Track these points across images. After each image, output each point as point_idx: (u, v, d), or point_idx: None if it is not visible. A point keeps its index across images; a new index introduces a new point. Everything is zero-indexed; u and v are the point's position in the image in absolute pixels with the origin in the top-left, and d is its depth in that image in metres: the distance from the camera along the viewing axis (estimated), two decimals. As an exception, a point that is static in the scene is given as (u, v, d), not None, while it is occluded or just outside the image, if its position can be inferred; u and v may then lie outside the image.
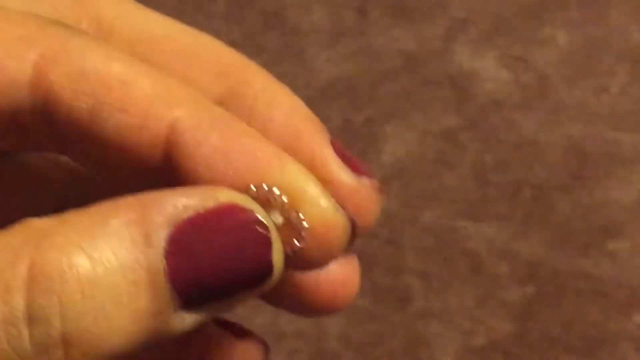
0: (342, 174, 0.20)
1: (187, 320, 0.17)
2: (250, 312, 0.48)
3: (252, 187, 0.18)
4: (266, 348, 0.23)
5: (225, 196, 0.17)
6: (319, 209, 0.18)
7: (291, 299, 0.21)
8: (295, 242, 0.18)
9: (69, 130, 0.19)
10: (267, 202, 0.18)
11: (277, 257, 0.17)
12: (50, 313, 0.16)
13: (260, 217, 0.17)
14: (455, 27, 0.57)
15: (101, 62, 0.18)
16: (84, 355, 0.16)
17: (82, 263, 0.16)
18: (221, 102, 0.21)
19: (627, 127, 0.53)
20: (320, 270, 0.20)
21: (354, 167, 0.21)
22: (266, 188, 0.18)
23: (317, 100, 0.54)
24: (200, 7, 0.57)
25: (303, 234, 0.18)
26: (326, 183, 0.19)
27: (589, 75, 0.55)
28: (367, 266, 0.49)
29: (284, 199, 0.18)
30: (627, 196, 0.51)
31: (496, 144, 0.53)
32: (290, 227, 0.18)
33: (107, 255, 0.16)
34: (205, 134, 0.18)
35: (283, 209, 0.18)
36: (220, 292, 0.17)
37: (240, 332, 0.23)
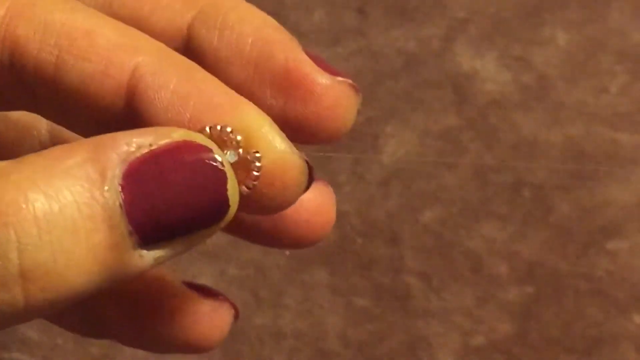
0: (316, 75, 0.21)
1: (145, 258, 0.17)
2: (250, 312, 0.48)
3: (207, 128, 0.18)
4: (236, 311, 0.23)
5: (179, 134, 0.18)
6: (273, 148, 0.19)
7: (266, 233, 0.22)
8: (251, 179, 0.18)
9: (36, 84, 0.19)
10: (221, 141, 0.18)
11: (232, 192, 0.18)
12: (7, 247, 0.16)
13: (214, 153, 0.18)
14: (455, 27, 0.57)
15: (66, 14, 0.19)
16: (43, 291, 0.16)
17: (37, 198, 0.16)
18: (192, 25, 0.21)
19: (627, 127, 0.53)
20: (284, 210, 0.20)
21: (328, 69, 0.21)
22: (220, 128, 0.18)
23: (317, 100, 0.54)
24: (200, 7, 0.57)
25: (257, 172, 0.18)
26: (301, 85, 0.20)
27: (588, 75, 0.55)
28: (367, 266, 0.49)
29: (238, 138, 0.18)
30: (627, 196, 0.51)
31: (496, 144, 0.53)
32: (245, 166, 0.18)
33: (62, 192, 0.17)
34: (165, 78, 0.19)
35: (237, 148, 0.18)
36: (176, 227, 0.17)
37: (209, 293, 0.23)
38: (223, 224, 0.18)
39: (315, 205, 0.22)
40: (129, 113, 0.19)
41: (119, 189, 0.17)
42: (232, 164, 0.18)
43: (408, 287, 0.49)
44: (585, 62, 0.55)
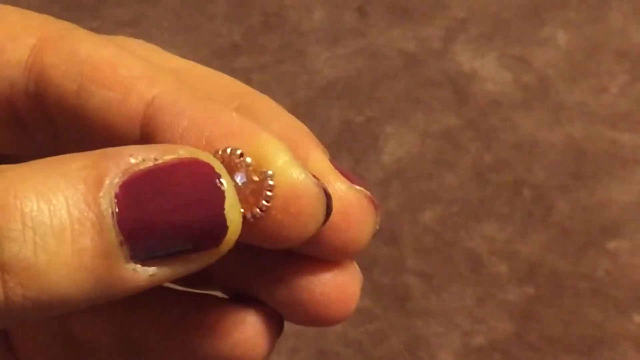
0: (336, 180, 0.20)
1: (140, 273, 0.17)
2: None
3: (219, 151, 0.18)
4: (281, 322, 0.22)
5: (186, 151, 0.17)
6: (287, 172, 0.18)
7: (286, 307, 0.21)
8: (263, 200, 0.18)
9: (58, 111, 0.19)
10: (231, 164, 0.18)
11: (232, 213, 0.17)
12: None
13: (215, 171, 0.17)
14: (455, 27, 0.57)
15: (92, 47, 0.20)
16: (23, 287, 0.16)
17: (27, 195, 0.16)
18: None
19: (627, 127, 0.53)
20: (302, 249, 0.20)
21: (349, 178, 0.20)
22: (229, 151, 0.18)
23: (317, 100, 0.54)
24: (200, 7, 0.57)
25: (269, 192, 0.18)
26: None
27: (588, 75, 0.55)
28: (367, 266, 0.49)
29: (248, 160, 0.18)
30: (627, 196, 0.51)
31: (496, 144, 0.53)
32: (258, 191, 0.18)
33: (54, 192, 0.16)
34: (182, 107, 0.19)
35: (248, 169, 0.18)
36: (170, 243, 0.17)
37: (251, 301, 0.22)
38: (223, 248, 0.17)
39: (338, 286, 0.21)
40: (144, 141, 0.19)
41: (114, 197, 0.17)
42: (242, 188, 0.18)
43: (408, 287, 0.49)
44: (585, 62, 0.55)
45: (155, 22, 0.56)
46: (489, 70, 0.55)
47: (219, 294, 0.22)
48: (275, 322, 0.21)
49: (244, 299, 0.21)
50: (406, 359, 0.48)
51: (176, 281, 0.19)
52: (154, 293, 0.20)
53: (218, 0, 0.57)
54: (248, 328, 0.21)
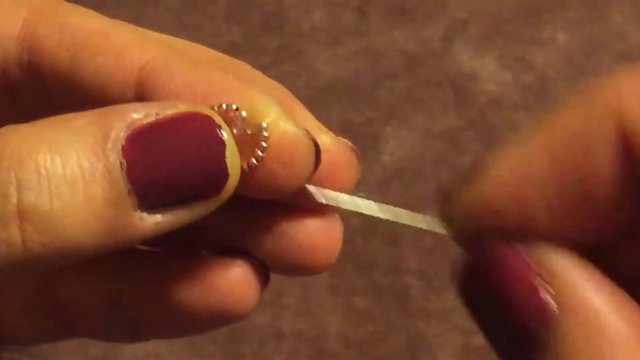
0: (323, 133, 0.21)
1: (146, 221, 0.18)
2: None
3: (214, 107, 0.19)
4: (266, 276, 0.23)
5: (185, 106, 0.18)
6: (280, 124, 0.19)
7: (271, 254, 0.22)
8: (259, 150, 0.19)
9: (52, 80, 0.20)
10: (228, 119, 0.19)
11: (232, 161, 0.18)
12: (7, 188, 0.17)
13: (215, 123, 0.18)
14: (455, 28, 0.57)
15: (82, 18, 0.21)
16: (40, 234, 0.17)
17: (40, 148, 0.17)
18: None
19: (627, 127, 0.53)
20: (289, 196, 0.20)
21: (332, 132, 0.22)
22: (225, 106, 0.19)
23: (317, 100, 0.54)
24: (200, 7, 0.57)
25: (264, 143, 0.19)
26: None
27: (589, 75, 0.55)
28: (367, 266, 0.49)
29: (243, 114, 0.19)
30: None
31: (496, 144, 0.53)
32: (253, 142, 0.19)
33: (65, 145, 0.17)
34: (175, 70, 0.20)
35: (244, 123, 0.19)
36: (176, 192, 0.18)
37: (237, 253, 0.23)
38: (224, 195, 0.18)
39: (322, 233, 0.22)
40: None
41: (121, 149, 0.18)
42: (238, 139, 0.19)
43: (408, 287, 0.49)
44: (585, 62, 0.55)
45: (155, 22, 0.56)
46: (489, 70, 0.55)
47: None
48: (261, 273, 0.22)
49: (228, 253, 0.22)
50: (406, 359, 0.48)
51: (161, 240, 0.19)
52: (140, 253, 0.21)
53: (218, 0, 0.57)
54: (236, 277, 0.22)
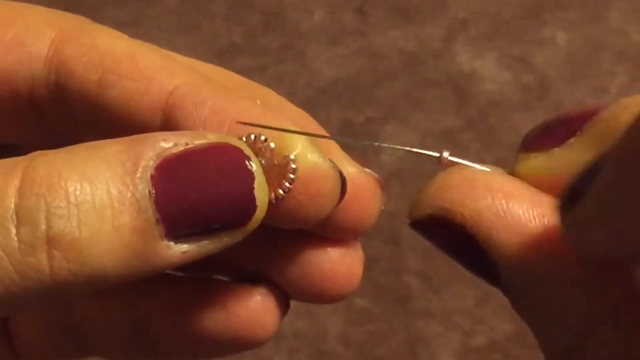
0: (348, 164, 0.21)
1: (173, 250, 0.18)
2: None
3: (243, 137, 0.19)
4: (287, 300, 0.23)
5: (215, 136, 0.18)
6: (307, 157, 0.19)
7: (295, 283, 0.22)
8: (286, 182, 0.19)
9: (79, 102, 0.20)
10: (256, 149, 0.19)
11: (260, 192, 0.18)
12: (37, 215, 0.17)
13: (244, 154, 0.18)
14: (455, 28, 0.57)
15: (110, 39, 0.21)
16: (68, 261, 0.17)
17: (70, 176, 0.17)
18: None
19: (627, 127, 0.53)
20: (316, 228, 0.21)
21: (358, 161, 0.22)
22: (254, 137, 0.19)
23: (317, 100, 0.54)
24: (201, 7, 0.57)
25: (292, 174, 0.19)
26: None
27: (589, 75, 0.55)
28: (367, 266, 0.49)
29: (272, 145, 0.19)
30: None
31: (496, 144, 0.53)
32: (280, 172, 0.19)
33: (95, 173, 0.18)
34: (203, 97, 0.20)
35: (272, 154, 0.19)
36: (203, 222, 0.18)
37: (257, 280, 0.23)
38: (251, 226, 0.18)
39: (344, 262, 0.22)
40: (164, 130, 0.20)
41: (150, 178, 0.18)
42: (266, 170, 0.19)
43: (408, 287, 0.49)
44: (585, 62, 0.55)
45: (155, 22, 0.56)
46: (489, 70, 0.55)
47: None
48: (281, 301, 0.22)
49: (249, 279, 0.22)
50: (406, 359, 0.48)
51: (185, 265, 0.19)
52: (161, 276, 0.21)
53: (218, 0, 0.57)
54: (257, 305, 0.22)
